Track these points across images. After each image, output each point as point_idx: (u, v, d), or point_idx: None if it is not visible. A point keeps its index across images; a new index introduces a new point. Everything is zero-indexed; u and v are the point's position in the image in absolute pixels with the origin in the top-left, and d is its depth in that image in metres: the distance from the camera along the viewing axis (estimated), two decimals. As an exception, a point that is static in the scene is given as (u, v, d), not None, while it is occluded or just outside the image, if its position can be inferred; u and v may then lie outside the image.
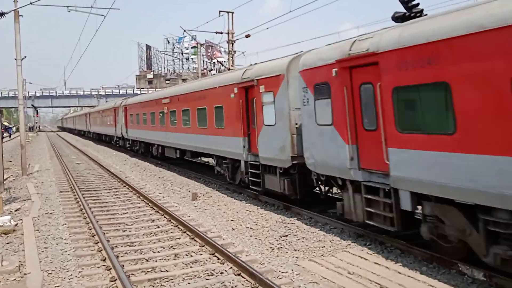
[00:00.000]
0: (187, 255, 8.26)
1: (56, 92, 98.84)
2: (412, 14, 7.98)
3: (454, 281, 6.51)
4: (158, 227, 10.47)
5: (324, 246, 8.51)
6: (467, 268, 6.67)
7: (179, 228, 10.17)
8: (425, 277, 6.72)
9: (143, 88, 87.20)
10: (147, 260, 8.03)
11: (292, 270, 7.32)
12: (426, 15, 7.91)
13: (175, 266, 7.67)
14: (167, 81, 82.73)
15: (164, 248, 8.77)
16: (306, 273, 7.15)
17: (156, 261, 7.97)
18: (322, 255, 8.05)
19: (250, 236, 9.55)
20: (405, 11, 8.09)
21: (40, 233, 10.08)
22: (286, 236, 9.32)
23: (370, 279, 6.74)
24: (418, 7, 8.06)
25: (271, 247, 8.64)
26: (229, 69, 25.71)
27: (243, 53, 32.04)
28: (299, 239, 9.08)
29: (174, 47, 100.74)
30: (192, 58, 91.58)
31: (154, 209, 12.37)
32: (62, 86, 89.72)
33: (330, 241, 8.82)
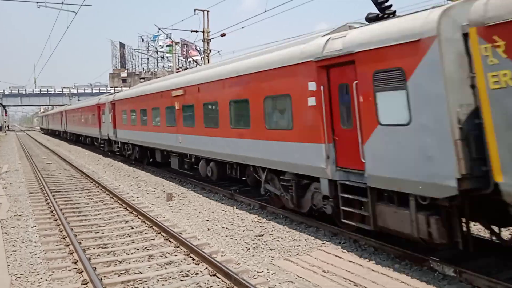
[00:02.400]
0: (161, 256, 8.15)
1: (26, 90, 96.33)
2: (385, 15, 8.11)
3: (425, 277, 6.66)
4: (132, 228, 10.30)
5: (299, 245, 8.55)
6: (438, 264, 6.82)
7: (153, 229, 10.02)
8: (397, 274, 6.85)
9: (116, 87, 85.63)
10: (120, 262, 7.88)
11: (268, 269, 7.32)
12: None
13: (149, 267, 7.55)
14: (142, 80, 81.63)
15: (138, 249, 8.63)
16: (281, 272, 7.17)
17: (129, 263, 7.83)
18: (297, 254, 8.10)
19: (226, 236, 9.51)
20: (378, 12, 8.22)
21: (9, 236, 9.76)
22: (262, 235, 9.32)
23: (344, 277, 6.83)
24: (391, 8, 8.20)
25: (246, 247, 8.63)
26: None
27: (218, 52, 32.01)
28: (274, 238, 9.10)
29: (148, 45, 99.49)
30: (167, 57, 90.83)
31: (128, 210, 12.16)
32: (32, 84, 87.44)
33: (305, 240, 8.87)
